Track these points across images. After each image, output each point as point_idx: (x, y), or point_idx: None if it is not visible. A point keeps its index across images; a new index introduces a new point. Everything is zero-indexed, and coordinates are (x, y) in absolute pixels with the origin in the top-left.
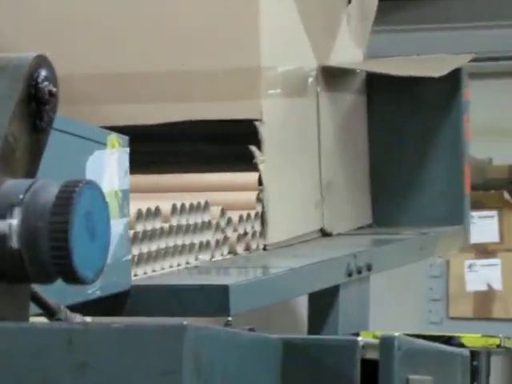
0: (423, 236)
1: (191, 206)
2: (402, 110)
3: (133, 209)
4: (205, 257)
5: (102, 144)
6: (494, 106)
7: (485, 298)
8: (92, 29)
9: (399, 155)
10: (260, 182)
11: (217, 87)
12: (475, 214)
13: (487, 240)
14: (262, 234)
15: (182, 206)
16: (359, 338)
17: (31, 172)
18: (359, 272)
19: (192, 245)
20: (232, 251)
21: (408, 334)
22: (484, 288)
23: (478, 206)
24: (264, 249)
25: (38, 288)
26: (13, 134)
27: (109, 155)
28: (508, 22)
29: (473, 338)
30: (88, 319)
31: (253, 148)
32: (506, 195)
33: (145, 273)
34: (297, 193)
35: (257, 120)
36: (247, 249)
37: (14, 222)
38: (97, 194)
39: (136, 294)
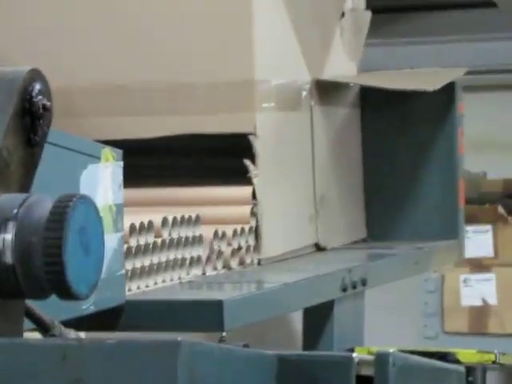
0: (418, 250)
1: (182, 219)
2: (396, 123)
3: (126, 223)
4: (197, 271)
5: (96, 158)
6: (489, 120)
7: (480, 312)
8: (89, 42)
9: (393, 169)
10: (254, 196)
11: (211, 101)
12: (470, 228)
13: (482, 254)
14: (256, 248)
15: (174, 219)
16: (354, 355)
17: (25, 186)
18: (354, 287)
19: (184, 259)
20: (226, 266)
21: (403, 350)
22: (479, 303)
23: (472, 220)
24: (258, 263)
25: (32, 303)
26: (7, 148)
27: (103, 169)
28: (502, 34)
29: (468, 353)
30: (82, 335)
31: (247, 162)
32: (501, 209)
33: (138, 287)
34: (291, 207)
35: (251, 134)
36: (241, 263)
37: (8, 236)
38: (91, 208)
39: (130, 309)
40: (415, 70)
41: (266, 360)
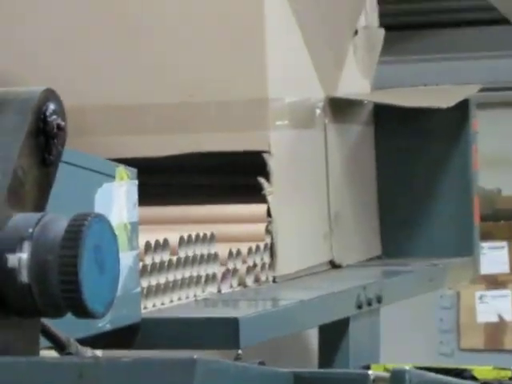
0: (433, 267)
1: (197, 237)
2: (410, 141)
3: (141, 241)
4: (212, 289)
5: (111, 176)
6: (503, 137)
7: (496, 329)
8: (102, 61)
9: (408, 186)
10: (269, 214)
11: (224, 119)
12: (485, 244)
13: (497, 271)
14: (272, 265)
15: (189, 237)
16: (370, 372)
17: (40, 205)
18: (369, 304)
19: (199, 277)
20: (241, 283)
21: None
22: (495, 319)
23: (487, 236)
24: (273, 281)
25: (48, 322)
26: (22, 168)
27: (117, 187)
28: None
29: (484, 370)
30: (98, 353)
31: (261, 180)
32: None
33: (154, 305)
34: (305, 224)
35: (265, 152)
36: (256, 281)
37: (24, 255)
38: (106, 227)
39: (146, 327)
40: (429, 87)
41: (282, 377)
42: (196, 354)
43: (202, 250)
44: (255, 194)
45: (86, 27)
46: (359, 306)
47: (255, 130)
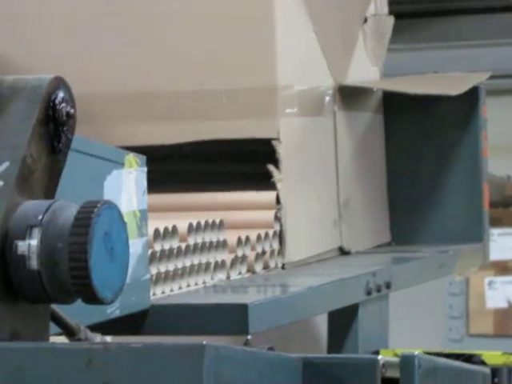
0: (442, 254)
1: (206, 224)
2: (420, 128)
3: (150, 228)
4: (222, 275)
5: (120, 164)
6: None
7: (505, 315)
8: (113, 49)
9: (417, 173)
10: (278, 201)
11: (234, 106)
12: (494, 231)
13: (507, 257)
14: (281, 252)
15: (198, 224)
16: (379, 357)
17: (50, 193)
18: (378, 290)
19: (208, 264)
20: (250, 270)
21: (428, 352)
22: (504, 305)
23: (497, 223)
24: (282, 267)
25: (57, 308)
26: (31, 155)
27: (126, 175)
28: None
29: (493, 355)
30: (108, 339)
31: (271, 167)
32: None
33: (163, 292)
34: (315, 211)
35: (274, 139)
36: (265, 267)
37: (34, 242)
38: (115, 214)
39: (155, 314)
40: (438, 74)
41: (291, 363)
42: (205, 340)
43: (211, 236)
44: (265, 182)
45: (97, 14)
46: (368, 293)
47: (265, 117)
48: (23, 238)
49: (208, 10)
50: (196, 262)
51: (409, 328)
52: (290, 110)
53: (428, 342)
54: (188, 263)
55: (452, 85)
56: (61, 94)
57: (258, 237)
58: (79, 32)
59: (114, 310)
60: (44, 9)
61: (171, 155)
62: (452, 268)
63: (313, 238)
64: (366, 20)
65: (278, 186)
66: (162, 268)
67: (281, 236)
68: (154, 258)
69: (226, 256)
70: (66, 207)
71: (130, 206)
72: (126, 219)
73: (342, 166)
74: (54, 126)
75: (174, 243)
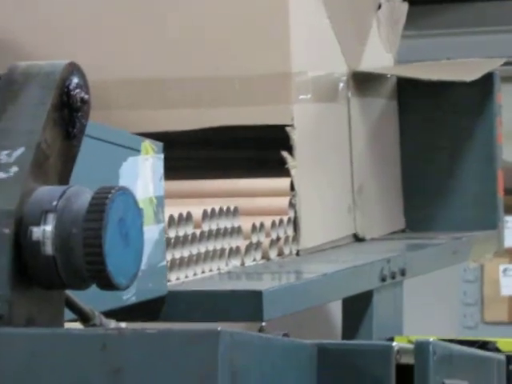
0: (457, 241)
1: (221, 210)
2: (434, 114)
3: (166, 215)
4: (236, 262)
5: (136, 150)
6: None
7: None
8: (126, 35)
9: (432, 160)
10: (292, 188)
11: (248, 93)
12: (509, 218)
13: None
14: (295, 239)
15: (213, 211)
16: (394, 343)
17: (64, 178)
18: (393, 277)
19: (223, 250)
20: (265, 256)
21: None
22: None
23: (511, 210)
24: (297, 254)
25: (73, 294)
26: (46, 141)
27: (143, 161)
28: None
29: (508, 342)
30: (122, 325)
31: (284, 153)
32: None
33: (177, 278)
34: (329, 198)
35: (288, 125)
36: (280, 254)
37: (48, 228)
38: (130, 200)
39: (170, 300)
40: (452, 60)
41: (306, 349)
42: (220, 326)
43: (225, 223)
44: (279, 168)
45: (111, 3)
46: (383, 279)
47: (279, 103)
48: (38, 224)
49: (225, 0)
50: (211, 248)
51: (423, 315)
52: (304, 96)
53: (442, 328)
54: (203, 250)
55: (466, 71)
56: (75, 80)
57: (273, 223)
58: (93, 18)
59: (130, 297)
60: (65, 3)
61: (186, 142)
62: (466, 255)
63: (327, 224)
64: (379, 6)
65: (292, 172)
66: (177, 254)
67: (295, 222)
68: (168, 245)
69: (240, 242)
70: (81, 193)
71: (147, 193)
72: (142, 206)
73: (355, 152)
74: (69, 112)
75: (189, 230)
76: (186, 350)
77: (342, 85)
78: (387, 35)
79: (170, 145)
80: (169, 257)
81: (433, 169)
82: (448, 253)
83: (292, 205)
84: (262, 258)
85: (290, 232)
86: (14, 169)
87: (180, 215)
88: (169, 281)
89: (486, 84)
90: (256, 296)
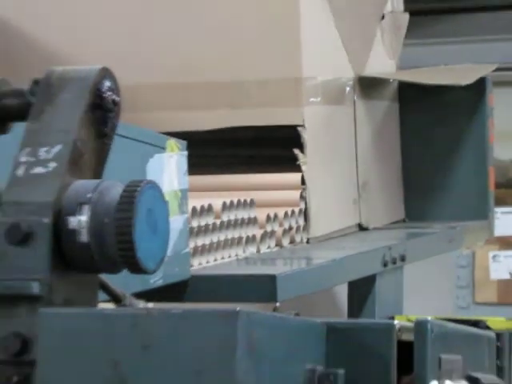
0: (452, 230)
1: (239, 202)
2: (432, 115)
3: (190, 207)
4: (252, 249)
5: (162, 148)
6: None
7: (507, 285)
8: (153, 44)
9: (430, 156)
10: (303, 182)
11: (262, 96)
12: (498, 209)
13: (509, 233)
14: (305, 228)
15: (231, 203)
16: (395, 322)
17: (97, 173)
18: (394, 262)
19: (240, 238)
20: (278, 244)
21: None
22: (507, 276)
23: (501, 202)
24: (307, 242)
25: (105, 277)
26: (81, 139)
27: (168, 158)
28: None
29: (497, 321)
30: (150, 305)
31: (296, 151)
32: None
33: (200, 264)
34: (336, 191)
35: (299, 126)
36: (292, 242)
37: (84, 218)
38: (157, 192)
39: (193, 283)
40: (449, 66)
41: (316, 327)
42: (238, 307)
43: (242, 214)
44: (291, 164)
45: (139, 17)
46: (385, 264)
47: (291, 106)
48: (74, 214)
49: (241, 12)
50: (229, 236)
51: (421, 296)
52: (314, 99)
53: (438, 309)
54: (222, 238)
55: (461, 76)
56: (107, 83)
57: (285, 214)
58: (125, 31)
59: (157, 280)
60: (93, 8)
61: (207, 140)
62: (460, 242)
63: (334, 215)
64: (383, 17)
65: (303, 168)
66: (199, 242)
67: (306, 213)
68: (191, 233)
69: (256, 231)
70: (113, 186)
71: (172, 186)
72: (167, 198)
73: (360, 150)
74: (102, 113)
75: (210, 220)
76: (208, 328)
77: (348, 89)
78: (390, 43)
79: (194, 143)
80: (192, 244)
81: (430, 165)
82: (444, 241)
83: (303, 197)
84: (276, 245)
85: (301, 222)
86: (53, 164)
87: (202, 207)
88: (192, 266)
89: (479, 88)
90: (270, 279)
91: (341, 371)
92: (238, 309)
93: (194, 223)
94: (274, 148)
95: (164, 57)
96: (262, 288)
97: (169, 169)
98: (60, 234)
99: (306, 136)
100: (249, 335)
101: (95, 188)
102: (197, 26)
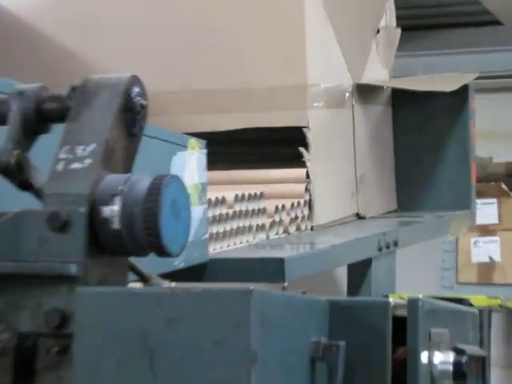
0: (439, 218)
1: (249, 195)
2: (421, 118)
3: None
4: (262, 236)
5: (184, 147)
6: (495, 115)
7: (487, 267)
8: (172, 56)
9: (419, 154)
10: (308, 176)
11: (272, 101)
12: (479, 201)
13: (489, 222)
14: (310, 217)
15: (243, 195)
16: (390, 299)
17: (127, 169)
18: (388, 247)
19: (251, 227)
20: (286, 231)
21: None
22: (486, 260)
23: (480, 194)
24: (311, 229)
25: (134, 260)
26: (113, 139)
27: (189, 156)
28: (505, 47)
29: (479, 299)
30: (174, 285)
31: (301, 149)
32: (504, 186)
33: (214, 249)
34: (337, 185)
35: (304, 127)
36: (298, 229)
37: (115, 208)
38: (180, 185)
39: (210, 266)
40: (435, 75)
41: (320, 304)
42: (252, 286)
43: (253, 205)
44: (296, 161)
45: (160, 32)
46: (380, 249)
47: (297, 109)
48: (107, 204)
49: (251, 24)
50: (241, 225)
51: (411, 277)
52: (317, 103)
53: (426, 288)
54: (235, 226)
55: (447, 83)
56: (136, 89)
57: (292, 205)
58: (150, 47)
59: (179, 263)
60: (121, 22)
61: (222, 140)
62: (446, 230)
63: (335, 206)
64: (378, 31)
65: (308, 164)
66: (214, 230)
67: (310, 204)
68: (207, 222)
69: (265, 220)
70: (141, 180)
71: (193, 180)
72: (189, 191)
73: (358, 148)
74: (131, 115)
75: (224, 210)
76: (225, 305)
77: (347, 94)
78: (384, 55)
79: (211, 143)
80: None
81: (420, 161)
82: (432, 228)
83: (307, 190)
84: (283, 232)
85: (306, 212)
86: (88, 161)
87: (216, 198)
88: (210, 250)
89: (462, 94)
90: (279, 262)
91: (342, 343)
92: (251, 288)
93: (210, 213)
94: (281, 146)
95: (181, 66)
96: (271, 270)
97: (190, 165)
98: (94, 222)
99: (310, 136)
100: (261, 311)
101: (125, 181)
102: (212, 39)
